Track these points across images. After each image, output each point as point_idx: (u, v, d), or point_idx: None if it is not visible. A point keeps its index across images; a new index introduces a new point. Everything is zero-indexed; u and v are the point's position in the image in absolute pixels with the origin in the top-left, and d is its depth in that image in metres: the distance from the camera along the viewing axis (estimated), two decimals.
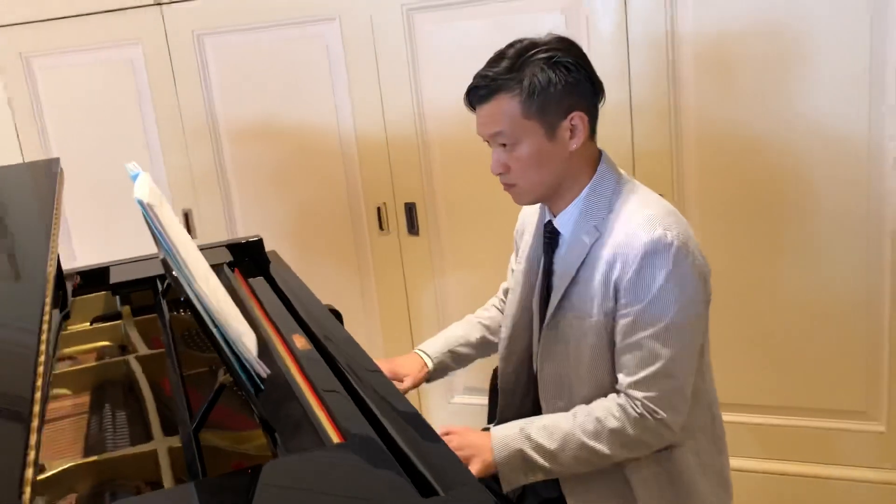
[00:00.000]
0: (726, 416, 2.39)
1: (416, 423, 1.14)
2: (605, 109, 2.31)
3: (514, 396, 1.71)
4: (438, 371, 1.83)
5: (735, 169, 2.27)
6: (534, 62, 1.43)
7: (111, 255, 2.32)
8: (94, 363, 1.63)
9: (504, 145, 1.47)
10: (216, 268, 1.95)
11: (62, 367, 1.69)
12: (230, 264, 2.11)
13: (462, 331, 1.87)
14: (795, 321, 2.31)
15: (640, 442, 1.46)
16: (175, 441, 1.22)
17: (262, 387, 1.25)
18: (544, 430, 1.48)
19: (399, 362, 1.81)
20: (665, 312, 1.41)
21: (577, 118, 1.46)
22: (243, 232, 2.87)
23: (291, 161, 2.75)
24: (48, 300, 1.21)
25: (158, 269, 1.98)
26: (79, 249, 3.03)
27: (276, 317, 1.69)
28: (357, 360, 1.41)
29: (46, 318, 1.14)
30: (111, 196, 2.95)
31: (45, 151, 3.01)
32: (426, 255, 2.66)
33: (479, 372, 2.11)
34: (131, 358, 1.58)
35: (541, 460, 1.46)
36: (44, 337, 1.08)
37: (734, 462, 2.42)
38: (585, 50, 2.28)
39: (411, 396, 1.92)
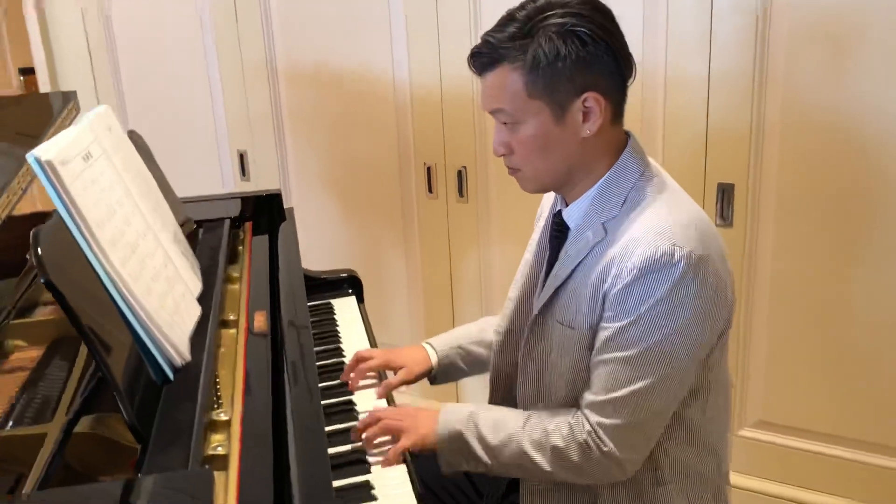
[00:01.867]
0: (777, 438, 2.18)
1: (319, 459, 0.98)
2: (679, 79, 2.07)
3: (504, 391, 1.52)
4: (446, 369, 1.64)
5: (822, 163, 1.94)
6: (543, 29, 1.18)
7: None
8: (54, 316, 1.54)
9: (506, 123, 1.25)
10: (213, 223, 1.85)
11: (39, 313, 1.62)
12: (248, 217, 1.98)
13: (475, 328, 1.67)
14: (871, 344, 1.99)
15: (583, 471, 1.26)
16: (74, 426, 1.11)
17: (171, 377, 1.12)
18: (491, 423, 1.32)
19: (398, 352, 1.64)
20: (647, 336, 1.18)
21: (592, 100, 1.21)
22: (294, 177, 2.78)
23: (346, 110, 2.61)
24: None
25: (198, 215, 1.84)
26: None
27: (255, 287, 1.55)
28: (306, 354, 1.26)
29: None
30: (174, 130, 2.91)
31: (116, 82, 3.01)
32: (473, 222, 2.47)
33: None
34: None
35: (480, 452, 1.31)
36: None
37: (787, 490, 2.19)
38: (662, 11, 2.05)
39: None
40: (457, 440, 1.33)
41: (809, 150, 1.95)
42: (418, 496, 1.28)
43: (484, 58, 1.24)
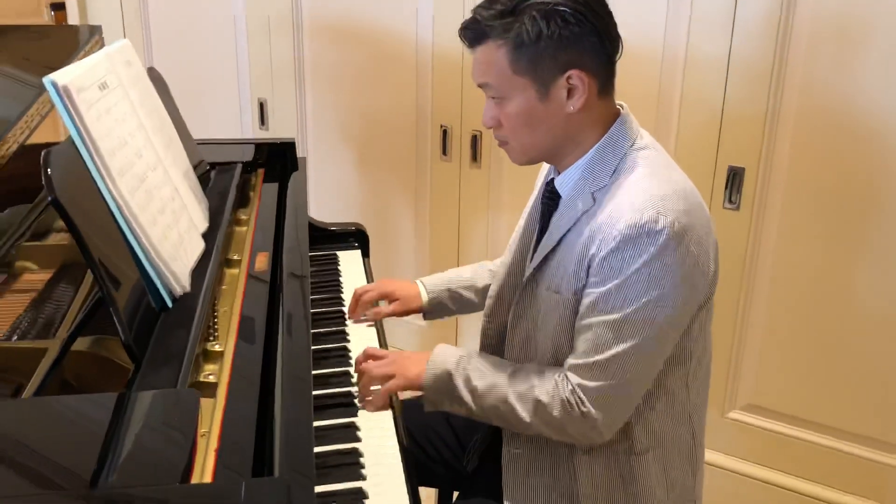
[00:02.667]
0: (776, 426, 2.21)
1: (303, 402, 1.02)
2: (698, 61, 2.07)
3: (492, 353, 1.56)
4: (434, 308, 1.73)
5: (833, 155, 1.95)
6: (528, 8, 1.21)
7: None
8: (64, 241, 1.59)
9: (494, 98, 1.28)
10: (226, 166, 1.89)
11: (52, 239, 1.67)
12: (261, 164, 2.02)
13: (468, 273, 1.74)
14: (867, 335, 2.01)
15: (562, 428, 1.29)
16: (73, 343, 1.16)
17: (170, 305, 1.16)
18: (480, 368, 1.36)
19: (394, 284, 1.74)
20: (629, 302, 1.21)
21: (577, 77, 1.23)
22: (312, 127, 2.80)
23: (367, 67, 2.62)
24: None
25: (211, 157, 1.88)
26: None
27: (261, 230, 1.59)
28: (304, 297, 1.29)
29: None
30: (197, 74, 2.94)
31: (144, 22, 3.03)
32: (484, 187, 2.50)
33: None
34: None
35: (465, 394, 1.35)
36: None
37: (774, 475, 2.22)
38: None
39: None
40: (444, 380, 1.37)
41: (821, 141, 1.96)
42: (400, 439, 1.33)
43: (471, 33, 1.27)
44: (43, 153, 0.98)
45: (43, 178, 0.96)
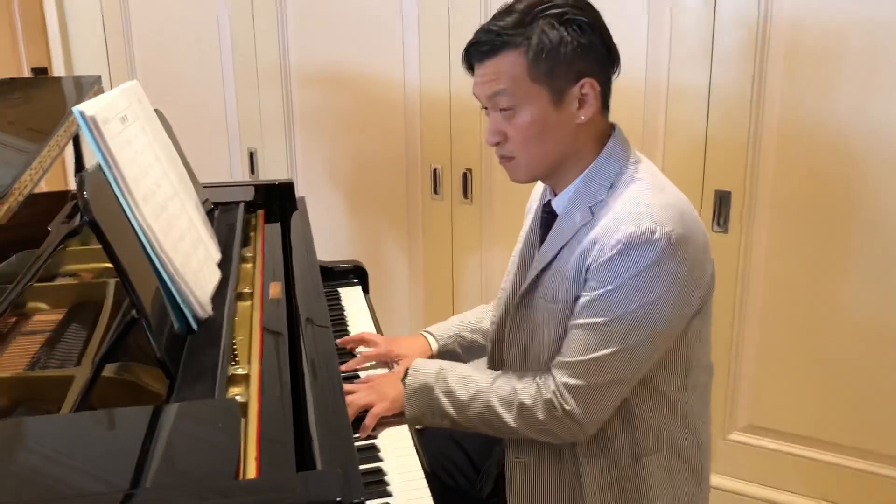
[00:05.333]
0: (777, 445, 2.24)
1: (336, 405, 1.04)
2: (679, 90, 2.15)
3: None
4: (445, 357, 1.70)
5: (815, 172, 2.02)
6: (544, 17, 1.27)
7: None
8: (74, 281, 1.60)
9: (504, 110, 1.32)
10: (228, 205, 1.92)
11: (59, 281, 1.68)
12: (260, 205, 2.05)
13: (473, 317, 1.74)
14: (860, 350, 2.06)
15: (547, 429, 1.33)
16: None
17: (195, 328, 1.18)
18: (460, 379, 1.39)
19: (399, 342, 1.71)
20: (621, 306, 1.25)
21: (589, 86, 1.30)
22: (303, 174, 2.84)
23: (356, 111, 2.68)
24: None
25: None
26: None
27: (269, 264, 1.61)
28: (317, 317, 1.31)
29: None
30: (185, 125, 2.97)
31: (130, 73, 3.06)
32: (476, 223, 2.54)
33: None
34: (111, 280, 1.54)
35: (448, 406, 1.38)
36: None
37: (778, 495, 2.24)
38: (667, 22, 2.13)
39: None
40: (424, 394, 1.40)
41: (804, 160, 2.03)
42: (420, 458, 1.34)
43: (485, 45, 1.31)
44: (77, 177, 1.01)
45: (79, 199, 0.98)
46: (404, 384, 1.42)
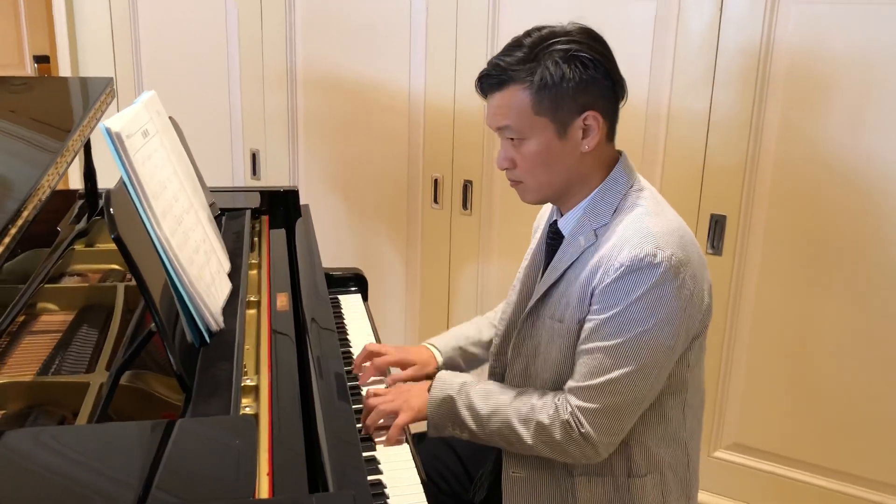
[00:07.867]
0: (761, 464, 2.29)
1: (345, 416, 1.08)
2: (680, 115, 2.20)
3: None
4: (448, 369, 1.73)
5: (811, 199, 2.08)
6: (549, 54, 1.32)
7: None
8: (85, 284, 1.63)
9: (511, 139, 1.38)
10: (235, 212, 1.95)
11: (67, 282, 1.71)
12: (264, 211, 2.08)
13: (473, 330, 1.79)
14: (845, 375, 2.11)
15: (562, 449, 1.37)
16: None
17: (208, 340, 1.21)
18: (482, 393, 1.43)
19: (409, 351, 1.74)
20: (626, 329, 1.31)
21: (592, 118, 1.35)
22: (305, 178, 2.87)
23: (360, 118, 2.71)
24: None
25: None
26: None
27: (275, 272, 1.65)
28: (326, 333, 1.35)
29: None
30: (188, 125, 2.99)
31: (136, 71, 3.08)
32: (475, 234, 2.58)
33: None
34: (120, 285, 1.57)
35: (468, 419, 1.42)
36: None
37: None
38: (670, 47, 2.18)
39: None
40: (447, 405, 1.44)
41: (798, 188, 2.08)
42: (419, 471, 1.38)
43: (493, 79, 1.37)
44: (104, 194, 1.04)
45: (106, 216, 1.02)
46: (428, 393, 1.46)
